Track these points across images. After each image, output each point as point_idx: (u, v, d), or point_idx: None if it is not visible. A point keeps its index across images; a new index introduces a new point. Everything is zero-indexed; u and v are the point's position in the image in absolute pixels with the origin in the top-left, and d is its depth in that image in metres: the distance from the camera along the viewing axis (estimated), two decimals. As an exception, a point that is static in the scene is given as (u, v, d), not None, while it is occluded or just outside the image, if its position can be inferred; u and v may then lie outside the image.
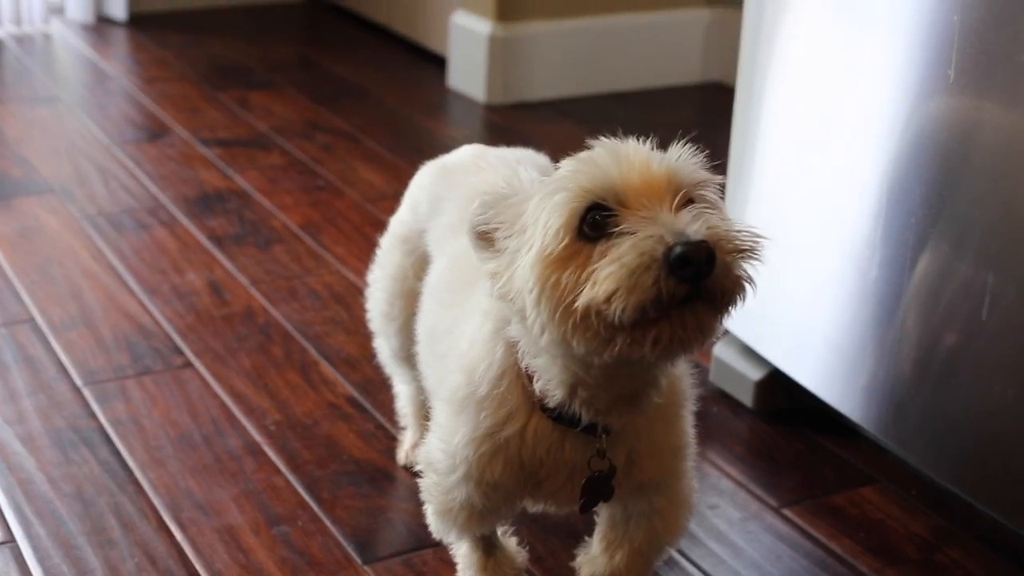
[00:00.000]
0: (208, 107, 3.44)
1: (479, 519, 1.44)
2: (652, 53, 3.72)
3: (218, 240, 2.63)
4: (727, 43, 3.53)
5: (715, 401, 2.10)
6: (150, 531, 1.75)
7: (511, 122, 3.44)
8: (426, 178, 1.75)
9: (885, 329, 1.76)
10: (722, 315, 1.17)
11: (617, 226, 1.15)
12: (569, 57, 3.61)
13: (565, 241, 1.17)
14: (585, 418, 1.28)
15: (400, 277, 1.73)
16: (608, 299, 1.12)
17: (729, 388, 2.10)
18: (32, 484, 1.84)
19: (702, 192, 1.21)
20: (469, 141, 3.49)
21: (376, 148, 3.18)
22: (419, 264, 1.69)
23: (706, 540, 1.78)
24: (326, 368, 2.17)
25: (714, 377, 2.13)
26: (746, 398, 2.07)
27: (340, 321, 2.32)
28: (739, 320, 2.04)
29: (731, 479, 1.92)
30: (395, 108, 3.51)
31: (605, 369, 1.23)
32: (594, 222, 1.16)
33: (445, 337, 1.47)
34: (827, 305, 1.87)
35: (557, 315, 1.16)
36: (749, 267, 1.17)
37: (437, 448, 1.41)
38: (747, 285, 1.17)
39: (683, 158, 1.22)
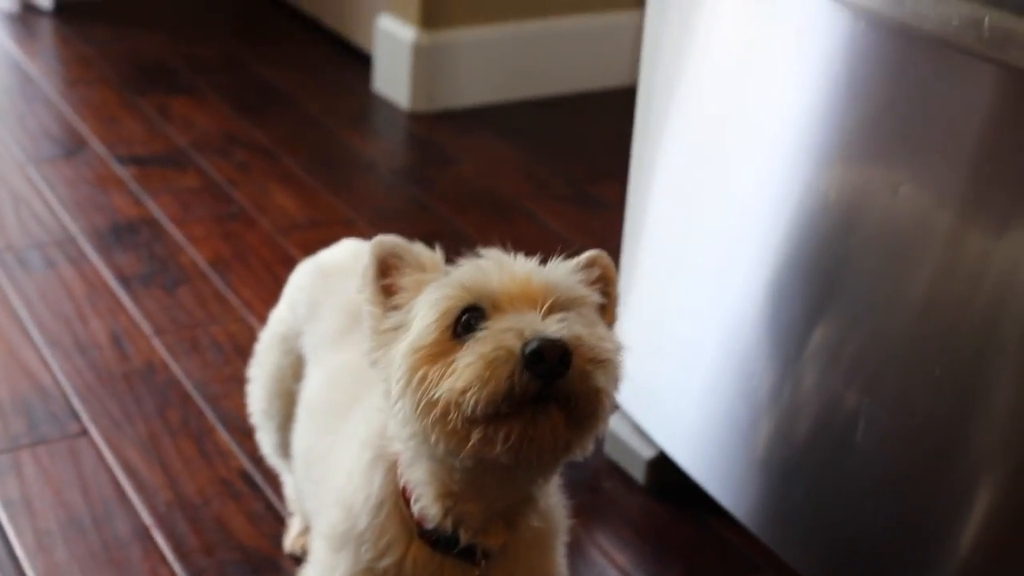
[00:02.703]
0: (127, 116, 3.39)
1: None
2: (581, 57, 3.68)
3: (125, 280, 2.61)
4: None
5: (608, 475, 2.10)
6: (29, 636, 1.75)
7: (433, 133, 3.41)
8: (305, 279, 1.74)
9: (759, 429, 1.76)
10: (579, 426, 1.16)
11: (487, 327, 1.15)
12: (496, 63, 3.57)
13: (436, 337, 1.18)
14: (463, 538, 1.28)
15: (278, 377, 1.72)
16: (464, 390, 1.13)
17: (622, 462, 2.10)
18: (-85, 580, 1.83)
19: (580, 309, 1.21)
20: (388, 157, 3.44)
21: (292, 166, 3.15)
22: (296, 365, 1.69)
23: (586, 639, 1.79)
24: (221, 436, 2.16)
25: (609, 450, 2.13)
26: (638, 474, 2.07)
27: (239, 379, 2.29)
28: (630, 398, 2.04)
29: (617, 568, 1.92)
30: (317, 118, 3.47)
31: (468, 475, 1.22)
32: (467, 323, 1.17)
33: (320, 462, 1.47)
34: (709, 395, 1.87)
35: (420, 408, 1.17)
36: (610, 383, 1.17)
37: None
38: (605, 400, 1.16)
39: (565, 273, 1.23)
